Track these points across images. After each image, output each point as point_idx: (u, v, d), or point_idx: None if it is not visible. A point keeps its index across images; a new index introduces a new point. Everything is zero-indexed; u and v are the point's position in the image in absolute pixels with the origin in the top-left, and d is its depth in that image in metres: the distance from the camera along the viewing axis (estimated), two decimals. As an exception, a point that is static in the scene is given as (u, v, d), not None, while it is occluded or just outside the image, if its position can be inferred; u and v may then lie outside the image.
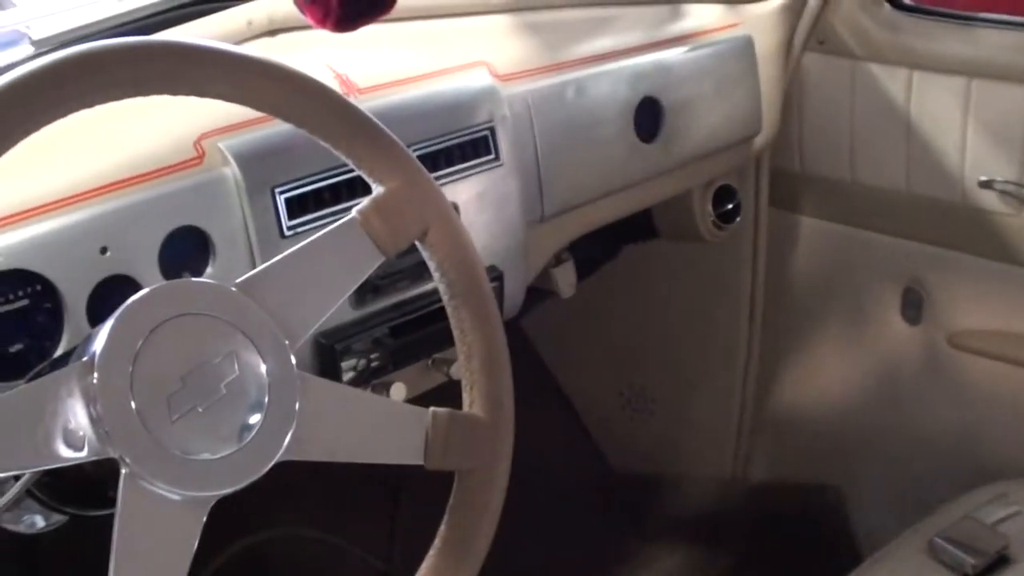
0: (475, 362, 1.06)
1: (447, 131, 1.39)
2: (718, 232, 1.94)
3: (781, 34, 1.84)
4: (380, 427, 1.02)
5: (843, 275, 1.99)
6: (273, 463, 0.92)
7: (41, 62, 0.89)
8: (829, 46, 1.86)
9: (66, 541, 1.25)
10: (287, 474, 0.93)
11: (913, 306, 1.91)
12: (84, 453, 0.86)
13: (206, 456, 0.89)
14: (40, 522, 1.21)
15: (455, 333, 1.08)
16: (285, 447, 0.93)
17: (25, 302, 1.13)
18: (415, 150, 1.33)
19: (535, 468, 1.48)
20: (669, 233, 1.98)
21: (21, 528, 1.21)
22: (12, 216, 1.11)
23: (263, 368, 0.93)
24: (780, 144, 1.93)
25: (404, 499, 1.98)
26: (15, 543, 1.24)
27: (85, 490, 1.06)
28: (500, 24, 1.65)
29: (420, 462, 1.02)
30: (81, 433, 0.86)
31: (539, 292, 1.70)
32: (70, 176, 1.16)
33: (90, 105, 0.91)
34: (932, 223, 1.82)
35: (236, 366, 0.92)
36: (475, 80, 1.46)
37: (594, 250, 1.93)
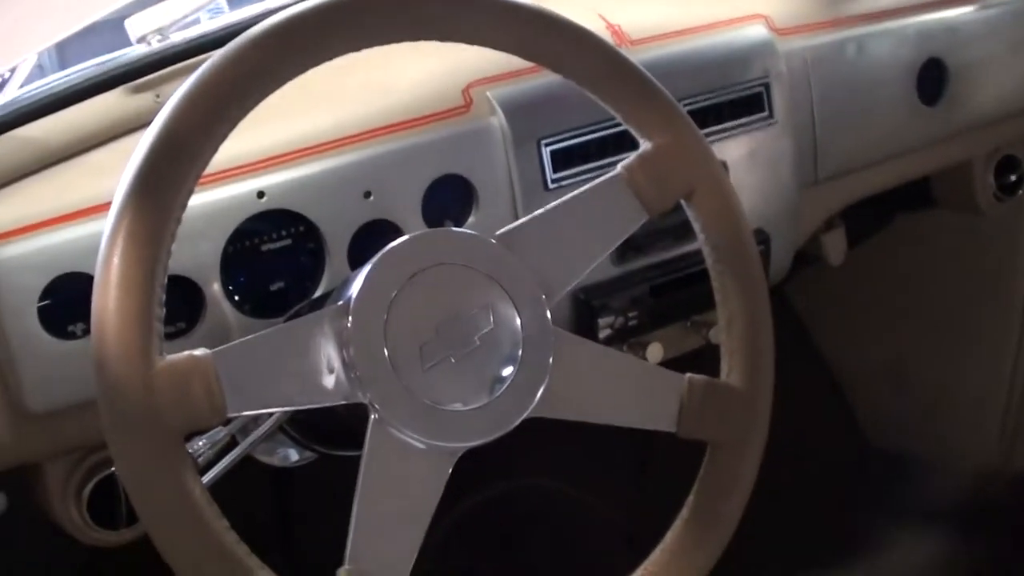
0: (736, 329, 1.02)
1: (720, 86, 1.34)
2: (998, 204, 1.82)
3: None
4: (633, 390, 0.99)
5: None
6: (523, 418, 0.90)
7: (309, 4, 0.89)
8: None
9: (317, 476, 1.27)
10: (535, 425, 0.92)
11: None
12: (335, 396, 0.86)
13: (456, 407, 0.88)
14: (293, 455, 1.24)
15: (717, 298, 1.03)
16: (536, 402, 0.91)
17: (288, 242, 1.15)
18: (685, 105, 1.28)
19: (789, 439, 1.42)
20: (946, 203, 1.87)
21: (275, 461, 1.24)
22: (278, 157, 1.13)
23: (518, 322, 0.91)
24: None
25: (653, 461, 1.95)
26: (270, 474, 1.27)
27: (335, 430, 1.06)
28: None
29: (672, 429, 0.98)
30: (333, 376, 0.86)
31: (806, 258, 1.64)
32: (337, 120, 1.17)
33: (358, 48, 0.91)
34: None
35: (491, 318, 0.90)
36: (752, 34, 1.40)
37: (867, 217, 1.84)
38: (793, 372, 1.24)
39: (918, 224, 1.97)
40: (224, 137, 0.85)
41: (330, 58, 0.90)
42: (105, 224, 0.82)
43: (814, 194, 1.50)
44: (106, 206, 0.85)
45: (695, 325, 1.38)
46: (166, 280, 0.82)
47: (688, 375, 0.99)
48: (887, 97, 1.52)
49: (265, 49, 0.87)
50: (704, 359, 1.14)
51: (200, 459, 0.99)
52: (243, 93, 0.86)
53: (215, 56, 0.87)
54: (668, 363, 1.18)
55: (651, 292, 1.32)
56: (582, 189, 0.98)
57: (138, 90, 1.19)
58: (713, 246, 1.02)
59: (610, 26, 1.33)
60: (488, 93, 1.22)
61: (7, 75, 1.37)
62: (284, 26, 0.88)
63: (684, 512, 0.99)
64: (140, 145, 0.84)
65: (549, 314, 0.93)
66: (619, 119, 1.01)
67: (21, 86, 1.32)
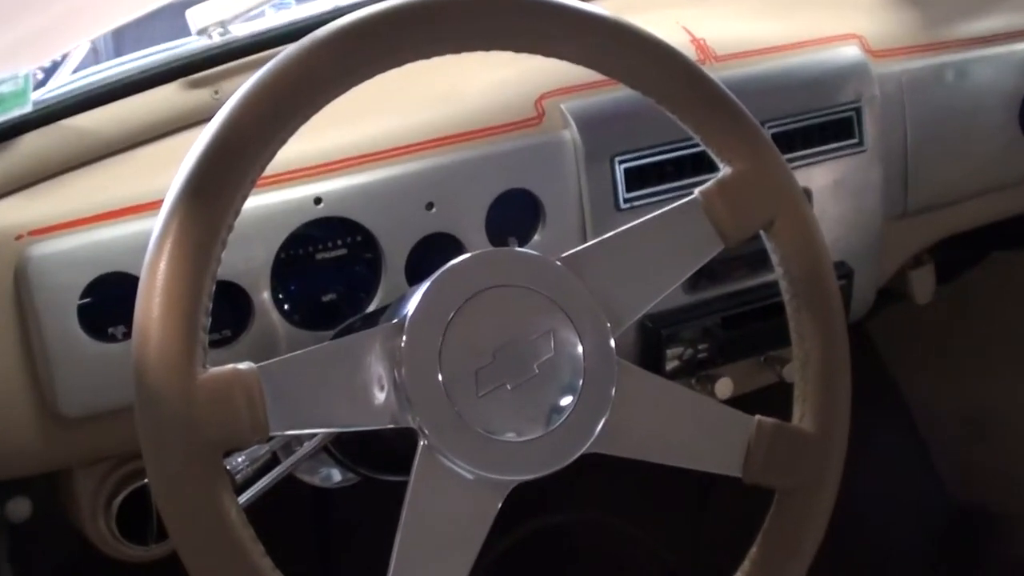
0: (811, 370, 1.00)
1: (807, 109, 1.33)
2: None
3: None
4: (698, 429, 0.98)
5: None
6: (580, 453, 0.89)
7: (381, 7, 0.89)
8: None
9: (359, 499, 1.27)
10: (591, 457, 0.91)
11: None
12: (384, 419, 0.86)
13: (510, 437, 0.87)
14: (336, 476, 1.24)
15: (793, 335, 1.02)
16: (595, 438, 0.90)
17: (343, 251, 1.15)
18: (770, 128, 1.28)
19: (863, 489, 1.40)
20: (1048, 242, 1.85)
21: (316, 481, 1.24)
22: (338, 162, 1.14)
23: (580, 350, 0.91)
24: None
25: (715, 503, 1.94)
26: (310, 494, 1.27)
27: (381, 454, 1.06)
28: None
29: (737, 474, 0.97)
30: (383, 398, 0.86)
31: (891, 294, 1.62)
32: (401, 126, 1.17)
33: (429, 56, 0.91)
34: None
35: (552, 345, 0.90)
36: (845, 55, 1.38)
37: (958, 254, 1.82)
38: (871, 416, 1.23)
39: (1014, 264, 1.94)
40: (284, 141, 0.85)
41: (400, 64, 0.89)
42: (154, 225, 0.83)
43: (902, 227, 1.48)
44: (156, 205, 0.86)
45: (769, 361, 1.37)
46: (214, 288, 0.82)
47: (758, 417, 0.97)
48: (986, 127, 1.50)
49: (334, 52, 0.87)
50: (777, 397, 1.13)
51: (238, 476, 0.99)
52: (308, 97, 0.86)
53: (280, 55, 0.87)
54: (738, 399, 1.17)
55: (723, 324, 1.31)
56: (656, 213, 0.97)
57: (196, 85, 1.20)
58: (791, 279, 1.01)
59: (694, 40, 1.32)
60: (562, 105, 1.22)
61: (59, 59, 1.39)
62: (355, 28, 0.88)
63: (746, 565, 0.98)
64: (195, 145, 0.84)
65: (613, 344, 0.92)
66: (698, 140, 1.00)
67: (74, 71, 1.33)
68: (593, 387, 0.90)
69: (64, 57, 1.38)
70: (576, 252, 0.94)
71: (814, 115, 1.33)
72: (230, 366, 0.82)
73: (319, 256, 1.15)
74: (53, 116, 1.14)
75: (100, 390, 1.07)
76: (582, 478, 1.00)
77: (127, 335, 1.06)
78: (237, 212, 0.84)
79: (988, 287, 1.97)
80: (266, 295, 1.11)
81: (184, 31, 1.26)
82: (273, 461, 1.04)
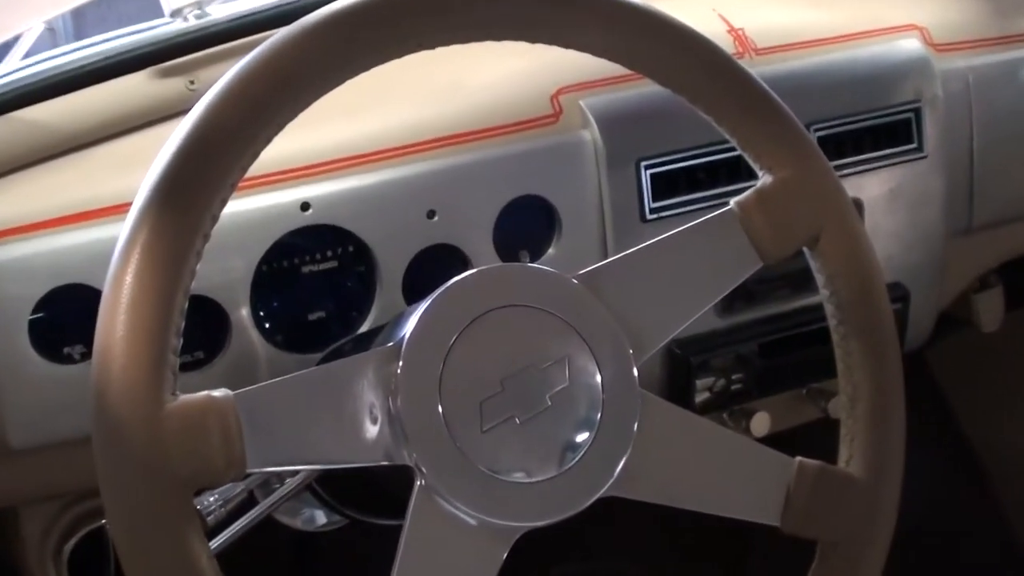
0: (860, 407, 1.00)
1: (860, 110, 1.33)
2: None
3: None
4: (731, 471, 0.98)
5: None
6: (597, 497, 0.89)
7: None
8: None
9: (347, 544, 1.28)
10: (611, 499, 0.91)
11: None
12: (376, 455, 0.86)
13: (518, 477, 0.87)
14: (320, 519, 1.24)
15: (839, 365, 1.02)
16: (614, 479, 0.90)
17: (333, 264, 1.15)
18: (817, 131, 1.28)
19: (920, 538, 1.40)
20: None
21: (298, 524, 1.24)
22: (329, 163, 1.14)
23: (599, 380, 0.91)
24: None
25: (750, 553, 1.94)
26: (291, 538, 1.27)
27: (372, 494, 1.07)
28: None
29: (775, 523, 0.97)
30: (376, 431, 0.86)
31: (953, 320, 1.62)
32: (400, 124, 1.18)
33: (434, 46, 0.91)
34: None
35: (567, 374, 0.90)
36: (904, 48, 1.39)
37: (1030, 276, 1.83)
38: (929, 456, 1.23)
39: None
40: (269, 140, 0.86)
41: (402, 55, 0.90)
42: (120, 233, 0.83)
43: (966, 245, 1.48)
44: (121, 209, 0.86)
45: (812, 394, 1.37)
46: (187, 304, 0.83)
47: (799, 459, 0.97)
48: (1063, 133, 1.51)
49: (328, 39, 0.87)
50: (820, 436, 1.13)
51: (210, 518, 1.00)
52: (298, 90, 0.86)
53: (267, 42, 0.87)
54: (776, 437, 1.17)
55: (760, 351, 1.31)
56: (687, 226, 0.97)
57: (168, 73, 1.21)
58: (838, 304, 1.01)
59: (732, 30, 1.33)
60: (581, 102, 1.22)
61: (9, 41, 1.39)
62: (352, 13, 0.88)
63: None
64: (169, 142, 0.84)
65: (636, 373, 0.92)
66: (735, 144, 1.00)
67: (25, 56, 1.34)
68: (612, 422, 0.90)
69: (15, 40, 1.38)
70: (595, 268, 0.94)
71: (867, 117, 1.34)
72: (203, 393, 0.82)
73: (305, 269, 1.15)
74: (2, 107, 1.14)
75: (52, 418, 1.07)
76: (599, 524, 1.00)
77: (85, 356, 1.06)
78: (214, 219, 0.84)
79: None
80: (245, 312, 1.12)
81: (156, 12, 1.27)
82: (250, 501, 1.05)
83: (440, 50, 0.92)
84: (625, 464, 0.90)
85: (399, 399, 0.85)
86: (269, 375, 1.03)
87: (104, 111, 1.17)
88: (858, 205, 1.31)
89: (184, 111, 0.86)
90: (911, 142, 1.37)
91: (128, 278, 0.81)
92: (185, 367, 1.09)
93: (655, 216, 1.24)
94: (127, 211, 0.83)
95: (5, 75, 1.19)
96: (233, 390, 0.83)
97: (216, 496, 1.01)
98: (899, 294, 1.37)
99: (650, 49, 0.97)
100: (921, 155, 1.37)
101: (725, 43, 1.22)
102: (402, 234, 1.15)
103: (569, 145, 1.21)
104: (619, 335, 0.92)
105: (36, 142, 1.14)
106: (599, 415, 0.90)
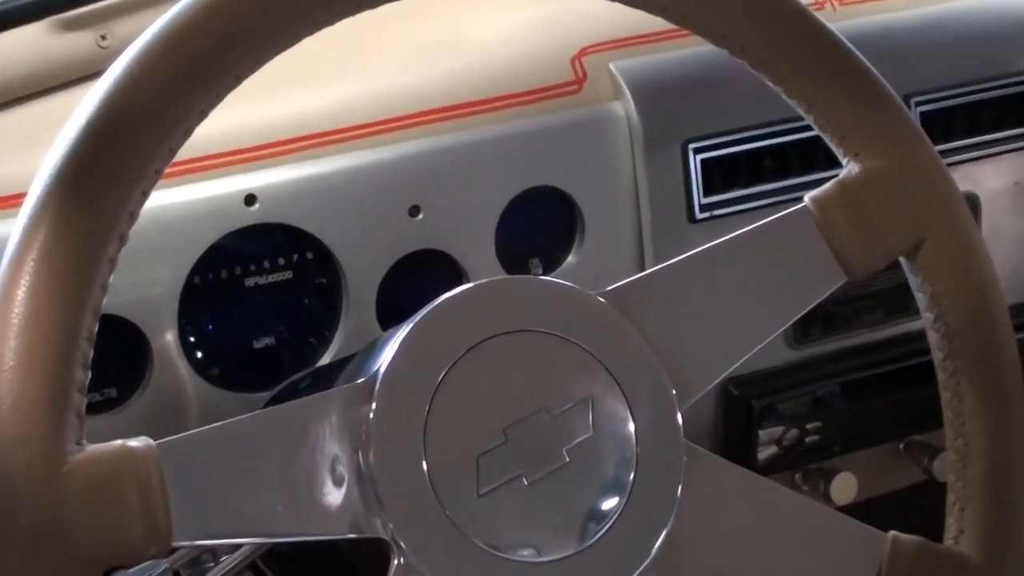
0: (975, 466, 1.01)
1: (974, 79, 1.34)
2: None
3: None
4: (804, 549, 0.98)
5: None
6: None
7: None
8: None
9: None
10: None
11: None
12: (340, 526, 0.86)
13: (525, 556, 0.87)
14: (266, 606, 1.25)
15: (946, 412, 1.02)
16: (650, 560, 0.90)
17: (286, 275, 1.16)
18: (917, 106, 1.29)
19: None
20: None
21: (240, 613, 1.25)
22: (280, 144, 1.14)
23: (631, 429, 0.91)
24: None
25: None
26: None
27: (335, 574, 1.07)
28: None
29: None
30: (340, 494, 0.86)
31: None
32: (376, 93, 1.18)
33: None
34: None
35: (591, 422, 0.90)
36: (1033, -2, 1.40)
37: None
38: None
39: None
40: (203, 116, 0.85)
41: (373, 6, 0.90)
42: (11, 234, 0.83)
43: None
44: (12, 201, 0.86)
45: (911, 449, 1.38)
46: (96, 328, 0.83)
47: (892, 533, 0.98)
48: None
49: None
50: (921, 504, 1.14)
51: (124, 609, 1.00)
52: (242, 50, 0.86)
53: None
54: (864, 505, 1.17)
55: (843, 392, 1.32)
56: (748, 229, 0.97)
57: (74, 26, 1.21)
58: (946, 331, 1.01)
59: (810, -26, 1.34)
60: (611, 65, 1.23)
61: None
62: None
63: None
64: (75, 116, 0.84)
65: (681, 420, 0.93)
66: (812, 124, 1.00)
67: None
68: (649, 484, 0.91)
69: None
70: (628, 283, 0.95)
71: (984, 88, 1.35)
72: (118, 442, 0.82)
73: (250, 282, 1.15)
74: None
75: None
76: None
77: None
78: (134, 216, 0.84)
79: None
80: (171, 337, 1.12)
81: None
82: (176, 584, 1.05)
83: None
84: (665, 539, 0.90)
85: (371, 452, 0.86)
86: (202, 420, 1.04)
87: None
88: (973, 203, 1.31)
89: (95, 74, 0.86)
90: (1042, 121, 1.38)
91: (20, 293, 0.81)
92: (94, 408, 1.10)
93: (706, 215, 1.24)
94: (19, 205, 0.83)
95: None
96: (155, 439, 0.83)
97: None
98: (1024, 319, 1.38)
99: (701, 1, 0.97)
100: (1055, 138, 1.38)
101: (799, -9, 1.23)
102: (376, 237, 1.16)
103: (595, 121, 1.22)
104: (658, 371, 0.93)
105: None
106: (632, 475, 0.90)
